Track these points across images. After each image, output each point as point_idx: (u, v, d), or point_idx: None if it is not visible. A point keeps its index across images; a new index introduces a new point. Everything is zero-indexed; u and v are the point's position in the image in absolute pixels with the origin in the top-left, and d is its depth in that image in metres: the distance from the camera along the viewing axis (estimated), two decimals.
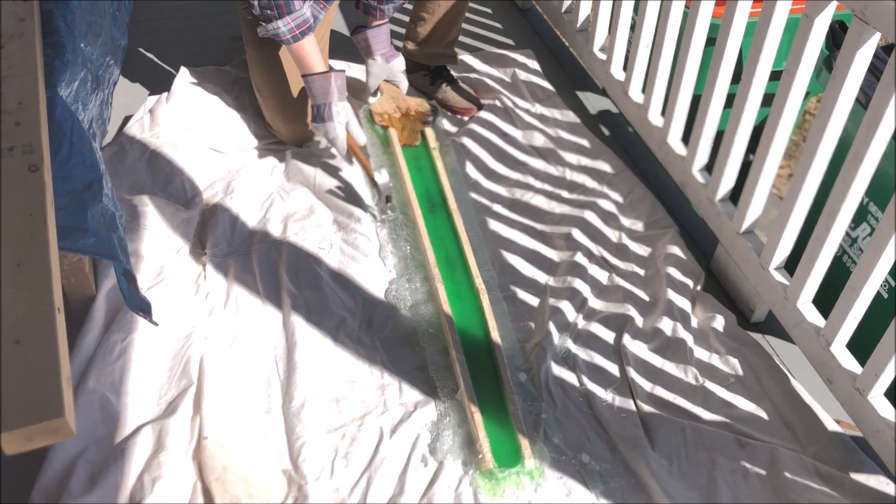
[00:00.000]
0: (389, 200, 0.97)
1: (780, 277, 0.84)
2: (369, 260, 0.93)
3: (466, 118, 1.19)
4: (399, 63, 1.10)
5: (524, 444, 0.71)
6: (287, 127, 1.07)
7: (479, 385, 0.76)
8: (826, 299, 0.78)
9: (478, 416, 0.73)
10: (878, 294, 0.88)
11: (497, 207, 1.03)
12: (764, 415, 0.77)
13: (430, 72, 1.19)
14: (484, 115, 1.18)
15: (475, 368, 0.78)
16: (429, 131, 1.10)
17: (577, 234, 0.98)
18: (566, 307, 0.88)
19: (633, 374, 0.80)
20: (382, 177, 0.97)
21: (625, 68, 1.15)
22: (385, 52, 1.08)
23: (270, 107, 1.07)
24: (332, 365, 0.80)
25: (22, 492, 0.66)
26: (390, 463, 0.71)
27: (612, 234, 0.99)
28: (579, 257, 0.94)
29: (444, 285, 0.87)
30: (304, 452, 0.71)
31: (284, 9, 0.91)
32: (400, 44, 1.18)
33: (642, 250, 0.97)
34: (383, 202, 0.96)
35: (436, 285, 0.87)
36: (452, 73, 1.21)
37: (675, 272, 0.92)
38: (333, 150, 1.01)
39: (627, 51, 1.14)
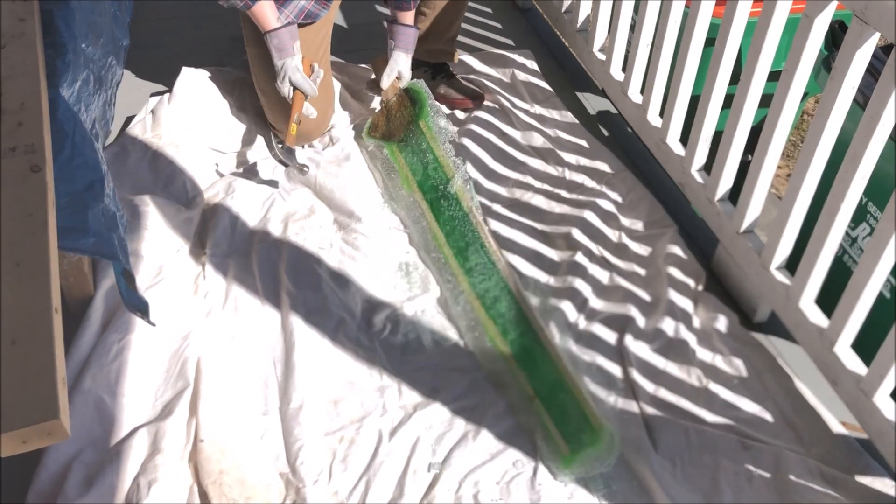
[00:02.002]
0: (300, 168, 1.00)
1: (781, 277, 0.83)
2: (369, 260, 0.92)
3: (466, 113, 1.18)
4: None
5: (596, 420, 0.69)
6: (288, 126, 1.08)
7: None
8: (829, 300, 0.78)
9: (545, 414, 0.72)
10: (882, 294, 0.88)
11: (497, 207, 1.03)
12: (768, 416, 0.77)
13: (430, 68, 1.19)
14: (483, 115, 1.18)
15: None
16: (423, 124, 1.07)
17: (577, 234, 0.97)
18: (567, 307, 0.87)
19: (635, 375, 0.80)
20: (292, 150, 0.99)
21: (624, 69, 1.15)
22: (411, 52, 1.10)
23: (272, 106, 1.07)
24: (331, 366, 0.80)
25: (20, 492, 0.66)
26: (389, 466, 0.70)
27: (612, 234, 0.99)
28: (579, 257, 0.94)
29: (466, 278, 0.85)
30: (302, 455, 0.70)
31: None
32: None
33: (642, 250, 0.96)
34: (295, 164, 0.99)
35: (459, 279, 0.85)
36: (452, 70, 1.21)
37: (675, 272, 0.92)
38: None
39: (627, 51, 1.14)
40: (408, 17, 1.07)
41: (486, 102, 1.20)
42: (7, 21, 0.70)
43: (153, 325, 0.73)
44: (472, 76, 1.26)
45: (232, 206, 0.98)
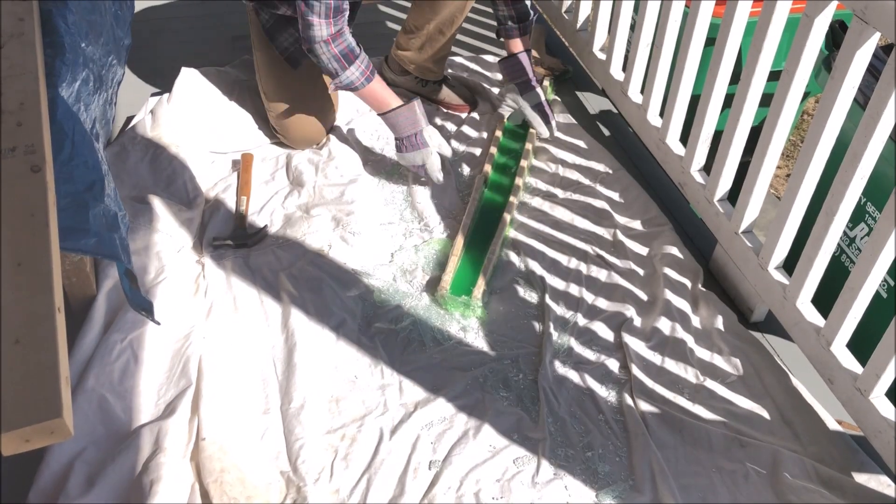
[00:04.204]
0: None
1: (779, 277, 0.84)
2: (370, 260, 0.93)
3: (463, 115, 1.19)
4: (532, 97, 1.09)
5: (480, 283, 0.86)
6: (293, 130, 1.07)
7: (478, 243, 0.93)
8: (826, 299, 0.78)
9: (454, 260, 0.89)
10: (878, 293, 0.88)
11: None
12: (765, 414, 0.77)
13: (418, 78, 1.19)
14: (480, 117, 1.18)
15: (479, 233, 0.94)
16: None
17: (574, 233, 0.98)
18: (565, 306, 0.88)
19: (633, 372, 0.80)
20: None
21: (624, 69, 1.15)
22: (522, 81, 1.08)
23: (276, 110, 1.07)
24: (332, 365, 0.80)
25: (22, 491, 0.66)
26: (390, 464, 0.71)
27: (608, 233, 0.99)
28: (577, 256, 0.95)
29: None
30: (303, 454, 0.70)
31: (351, 56, 0.92)
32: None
33: (639, 248, 0.97)
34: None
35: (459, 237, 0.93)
36: (445, 74, 1.21)
37: (671, 272, 0.92)
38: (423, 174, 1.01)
39: (627, 51, 1.14)
40: (516, 43, 1.07)
41: (482, 104, 1.21)
42: (6, 21, 0.70)
43: (158, 323, 0.73)
44: (469, 77, 1.26)
45: (232, 206, 0.99)
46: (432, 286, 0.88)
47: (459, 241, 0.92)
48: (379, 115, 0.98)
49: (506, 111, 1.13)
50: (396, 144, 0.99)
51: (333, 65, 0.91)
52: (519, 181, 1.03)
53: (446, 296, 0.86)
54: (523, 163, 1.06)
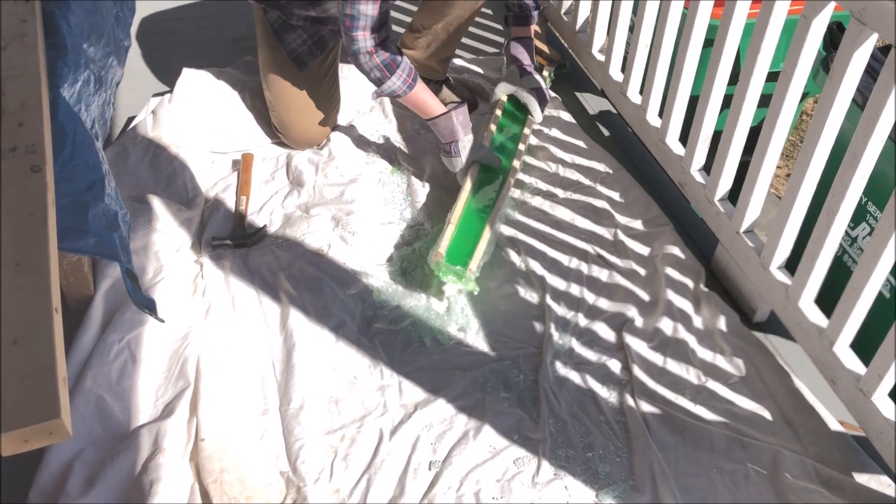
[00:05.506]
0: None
1: (781, 277, 0.84)
2: (369, 260, 0.93)
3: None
4: (529, 81, 1.11)
5: (477, 255, 0.86)
6: (295, 131, 1.07)
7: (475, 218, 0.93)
8: (828, 299, 0.78)
9: (451, 228, 0.88)
10: (881, 294, 0.88)
11: None
12: (767, 414, 0.77)
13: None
14: (479, 117, 1.19)
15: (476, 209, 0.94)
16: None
17: (575, 233, 0.98)
18: (566, 306, 0.88)
19: (634, 372, 0.80)
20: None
21: (623, 70, 1.16)
22: (522, 65, 1.11)
23: (279, 110, 1.07)
24: (332, 366, 0.80)
25: (22, 491, 0.66)
26: (390, 464, 0.71)
27: (608, 233, 1.00)
28: (578, 256, 0.95)
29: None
30: (303, 454, 0.70)
31: (393, 65, 0.93)
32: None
33: (640, 249, 0.97)
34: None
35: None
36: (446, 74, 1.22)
37: (673, 272, 0.92)
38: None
39: (626, 52, 1.15)
40: (518, 30, 1.11)
41: (482, 104, 1.21)
42: (8, 22, 0.71)
43: (162, 321, 0.73)
44: (469, 77, 1.27)
45: (231, 206, 0.99)
46: (427, 250, 0.88)
47: (458, 209, 0.91)
48: (425, 121, 1.00)
49: (501, 89, 1.13)
50: (441, 147, 1.01)
51: (376, 74, 0.93)
52: (522, 146, 1.03)
53: (441, 262, 0.84)
54: (526, 130, 1.07)
